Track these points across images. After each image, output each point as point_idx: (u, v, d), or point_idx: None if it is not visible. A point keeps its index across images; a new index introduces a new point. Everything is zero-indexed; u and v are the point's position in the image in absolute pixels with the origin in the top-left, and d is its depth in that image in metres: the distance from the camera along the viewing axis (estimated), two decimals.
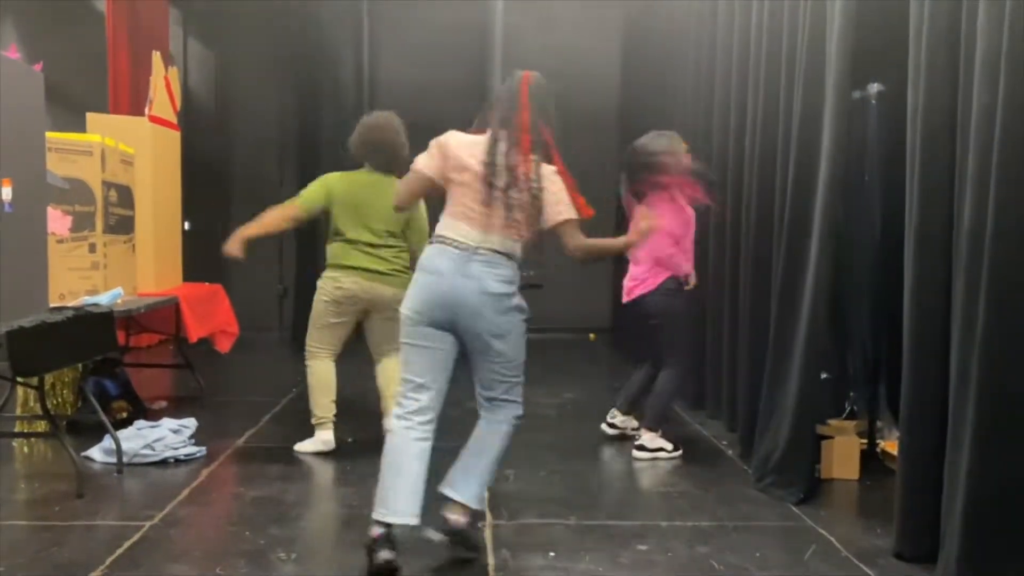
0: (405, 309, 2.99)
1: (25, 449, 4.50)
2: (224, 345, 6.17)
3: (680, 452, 4.50)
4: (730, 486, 4.01)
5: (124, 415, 4.90)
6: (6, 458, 4.34)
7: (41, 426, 4.39)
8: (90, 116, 5.81)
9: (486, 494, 3.26)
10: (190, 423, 4.54)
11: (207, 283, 6.40)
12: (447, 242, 2.96)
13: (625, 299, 4.66)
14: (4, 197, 4.23)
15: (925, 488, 3.02)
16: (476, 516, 3.17)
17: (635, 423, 4.80)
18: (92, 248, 5.07)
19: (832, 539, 3.33)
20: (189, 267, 6.54)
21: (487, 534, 3.33)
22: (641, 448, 4.49)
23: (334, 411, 4.45)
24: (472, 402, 3.15)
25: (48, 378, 4.13)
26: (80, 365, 4.33)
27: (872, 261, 4.47)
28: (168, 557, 3.07)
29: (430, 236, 3.10)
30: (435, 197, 3.13)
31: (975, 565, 2.68)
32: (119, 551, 3.08)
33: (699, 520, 3.54)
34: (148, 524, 3.36)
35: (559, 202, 2.96)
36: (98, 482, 3.92)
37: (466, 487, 3.06)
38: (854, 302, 4.59)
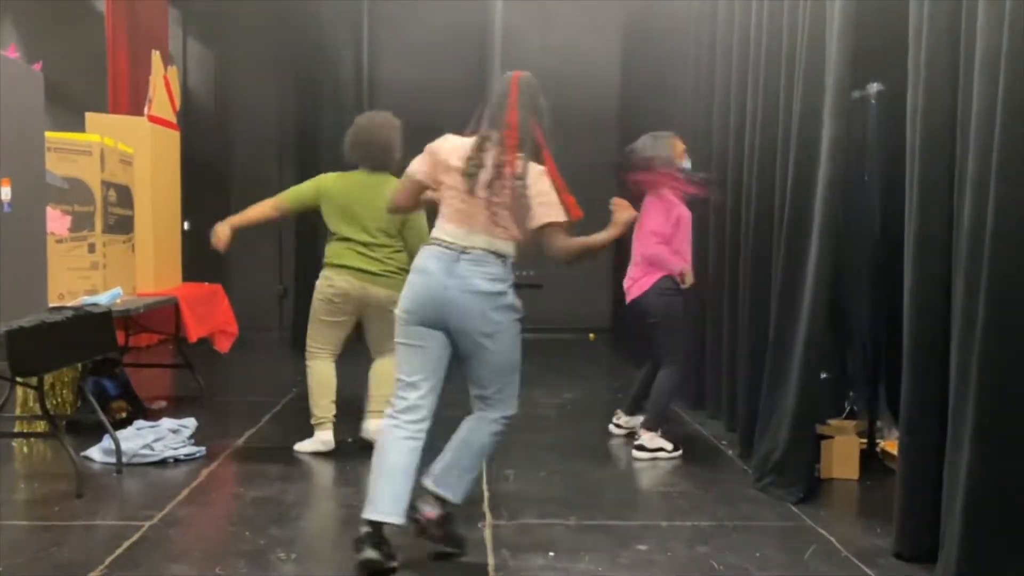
0: (398, 309, 3.00)
1: (25, 449, 4.50)
2: (224, 345, 6.16)
3: (680, 452, 4.50)
4: (730, 486, 4.01)
5: (123, 415, 4.90)
6: (6, 458, 4.34)
7: (41, 426, 4.39)
8: (89, 116, 5.80)
9: (470, 490, 3.11)
10: (189, 423, 4.55)
11: (206, 283, 6.39)
12: (437, 243, 2.98)
13: (627, 300, 4.68)
14: (3, 197, 4.23)
15: (925, 488, 3.02)
16: (450, 512, 3.04)
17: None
18: (91, 248, 5.06)
19: (832, 539, 3.33)
20: (188, 267, 6.53)
21: (487, 534, 3.33)
22: (641, 448, 4.48)
23: (334, 411, 4.45)
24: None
25: (47, 378, 4.12)
26: (79, 365, 4.33)
27: (872, 261, 4.47)
28: (168, 557, 3.07)
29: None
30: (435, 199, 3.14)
31: (975, 565, 2.68)
32: (119, 551, 3.08)
33: (699, 520, 3.54)
34: (148, 524, 3.36)
35: (544, 203, 2.95)
36: (97, 482, 3.92)
37: (446, 481, 3.02)
38: (854, 302, 4.59)
